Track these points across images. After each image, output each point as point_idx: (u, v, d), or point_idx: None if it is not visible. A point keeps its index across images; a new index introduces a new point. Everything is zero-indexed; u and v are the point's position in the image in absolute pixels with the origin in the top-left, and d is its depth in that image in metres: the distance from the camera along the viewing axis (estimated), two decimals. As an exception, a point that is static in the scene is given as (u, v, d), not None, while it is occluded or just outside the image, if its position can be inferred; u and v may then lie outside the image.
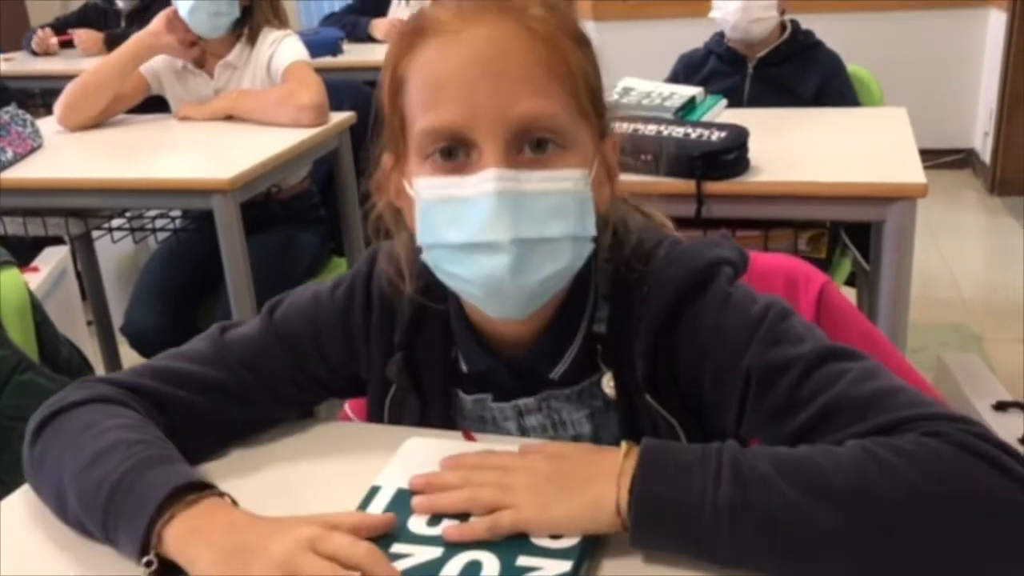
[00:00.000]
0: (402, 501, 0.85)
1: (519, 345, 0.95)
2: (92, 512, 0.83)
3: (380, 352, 1.00)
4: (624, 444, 0.80)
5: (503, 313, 0.88)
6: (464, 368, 0.99)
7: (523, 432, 0.99)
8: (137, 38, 2.57)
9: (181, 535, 0.78)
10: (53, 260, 2.30)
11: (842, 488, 0.71)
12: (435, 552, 0.79)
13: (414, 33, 0.86)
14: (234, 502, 0.84)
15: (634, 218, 0.96)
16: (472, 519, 0.81)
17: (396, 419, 1.02)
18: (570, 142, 0.85)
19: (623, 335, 0.92)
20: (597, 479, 0.79)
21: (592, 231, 0.87)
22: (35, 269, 2.20)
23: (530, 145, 0.83)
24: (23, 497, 0.95)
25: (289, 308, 1.02)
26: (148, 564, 0.78)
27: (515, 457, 0.85)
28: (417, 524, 0.82)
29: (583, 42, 0.88)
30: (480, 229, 0.82)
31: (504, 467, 0.83)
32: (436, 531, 0.81)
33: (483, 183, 0.81)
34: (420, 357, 0.99)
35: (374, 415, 1.04)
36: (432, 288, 0.94)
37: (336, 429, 1.06)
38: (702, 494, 0.73)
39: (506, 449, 0.88)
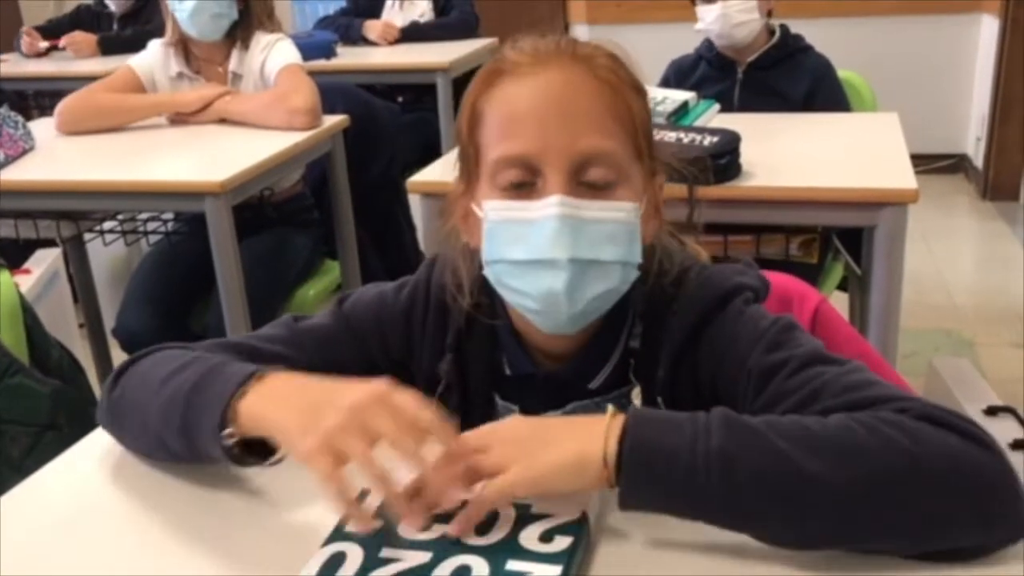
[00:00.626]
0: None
1: (560, 357, 1.03)
2: (172, 416, 0.90)
3: (432, 352, 1.07)
4: (610, 407, 0.82)
5: (555, 328, 0.96)
6: (508, 371, 1.06)
7: None
8: (167, 102, 2.60)
9: (255, 404, 0.85)
10: (45, 263, 2.30)
11: (829, 441, 0.76)
12: (424, 557, 0.79)
13: (494, 73, 0.96)
14: None
15: (674, 249, 1.04)
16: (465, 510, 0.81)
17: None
18: (624, 178, 0.94)
19: (653, 350, 0.99)
20: (581, 434, 0.81)
21: (639, 258, 0.96)
22: (26, 271, 2.20)
23: (589, 179, 0.92)
24: (21, 495, 0.96)
25: (356, 303, 1.10)
26: (230, 436, 0.84)
27: (492, 429, 0.86)
28: (407, 528, 0.82)
29: (641, 92, 0.98)
30: (542, 248, 0.91)
31: (482, 440, 0.84)
32: (426, 535, 0.81)
33: (548, 207, 0.90)
34: (468, 359, 1.06)
35: None
36: (485, 305, 1.03)
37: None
38: (693, 443, 0.77)
39: None
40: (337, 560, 0.79)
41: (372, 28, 4.04)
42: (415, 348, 1.08)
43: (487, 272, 0.97)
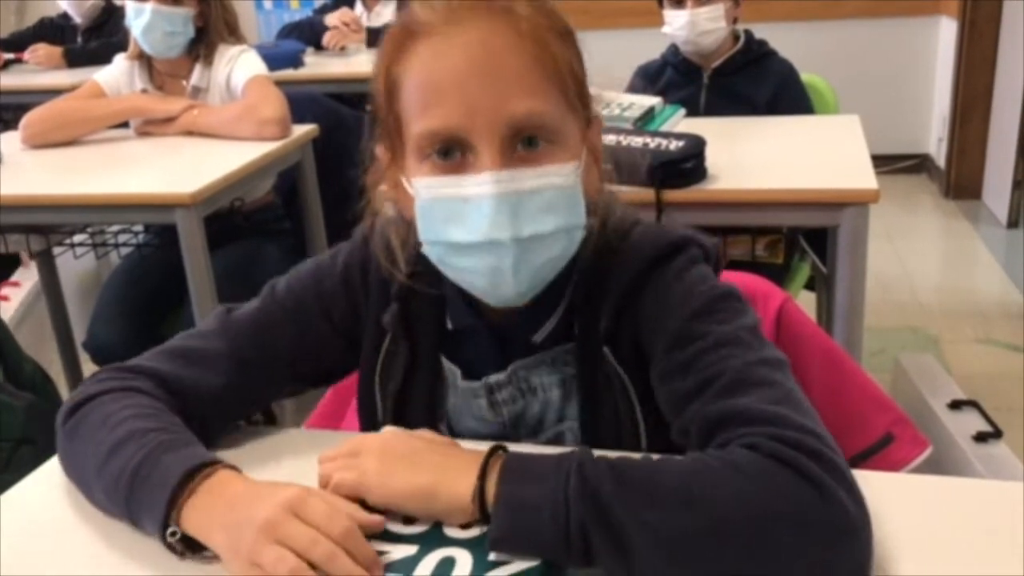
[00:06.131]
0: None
1: (505, 311, 0.99)
2: (116, 501, 0.88)
3: (378, 302, 1.04)
4: (487, 448, 0.84)
5: (503, 302, 0.94)
6: (450, 325, 1.03)
7: (493, 406, 1.03)
8: (133, 107, 2.59)
9: (198, 512, 0.83)
10: (34, 277, 2.27)
11: (669, 488, 0.75)
12: (410, 550, 0.81)
13: (405, 35, 0.89)
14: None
15: (616, 202, 1.01)
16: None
17: (387, 372, 1.05)
18: (560, 137, 0.90)
19: (597, 302, 0.97)
20: (448, 468, 0.83)
21: (583, 220, 0.92)
22: (16, 284, 2.17)
23: (523, 143, 0.88)
24: (20, 495, 0.98)
25: (291, 280, 1.08)
26: (172, 534, 0.83)
27: (366, 437, 0.90)
28: (393, 523, 0.85)
29: (567, 34, 0.93)
30: (481, 229, 0.87)
31: (354, 446, 0.88)
32: (412, 530, 0.84)
33: (482, 185, 0.86)
34: (414, 309, 1.03)
35: (366, 368, 1.07)
36: (424, 274, 0.99)
37: (304, 437, 1.07)
38: (554, 494, 0.76)
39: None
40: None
41: (332, 18, 4.03)
42: (360, 308, 1.06)
43: (426, 251, 0.93)
